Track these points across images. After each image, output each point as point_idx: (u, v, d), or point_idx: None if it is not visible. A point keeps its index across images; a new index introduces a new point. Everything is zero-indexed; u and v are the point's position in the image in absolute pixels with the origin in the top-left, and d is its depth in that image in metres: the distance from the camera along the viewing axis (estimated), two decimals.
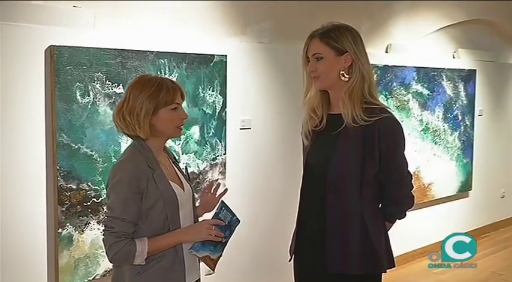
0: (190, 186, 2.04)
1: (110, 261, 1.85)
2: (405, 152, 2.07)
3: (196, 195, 2.30)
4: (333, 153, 2.00)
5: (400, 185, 2.07)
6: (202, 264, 2.00)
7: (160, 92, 1.85)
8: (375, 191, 2.04)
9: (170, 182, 1.90)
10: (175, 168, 2.03)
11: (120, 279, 1.89)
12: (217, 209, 1.95)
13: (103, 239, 1.83)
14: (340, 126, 1.99)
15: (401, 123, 2.07)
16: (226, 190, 2.24)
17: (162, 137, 1.95)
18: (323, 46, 1.99)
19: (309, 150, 2.12)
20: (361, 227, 1.99)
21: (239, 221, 1.99)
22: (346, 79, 1.99)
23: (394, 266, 2.10)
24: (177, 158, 2.17)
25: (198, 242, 1.90)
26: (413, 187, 2.13)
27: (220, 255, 1.98)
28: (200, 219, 2.07)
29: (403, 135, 2.04)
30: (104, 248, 1.83)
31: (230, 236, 1.97)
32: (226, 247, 1.98)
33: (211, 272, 2.07)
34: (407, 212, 2.14)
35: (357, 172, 1.97)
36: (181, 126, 1.94)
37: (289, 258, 2.19)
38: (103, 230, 1.84)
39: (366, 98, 1.99)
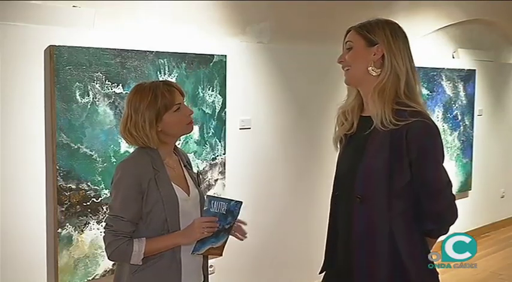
0: (199, 191, 2.03)
1: (108, 258, 1.89)
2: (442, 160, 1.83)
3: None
4: (359, 160, 1.82)
5: (437, 198, 1.82)
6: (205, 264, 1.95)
7: (157, 99, 1.85)
8: (407, 203, 1.81)
9: (173, 184, 1.89)
10: (185, 172, 2.02)
11: (120, 277, 1.91)
12: (205, 206, 1.88)
13: (103, 236, 1.86)
14: (370, 129, 1.81)
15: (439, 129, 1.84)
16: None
17: (174, 138, 1.96)
18: (355, 35, 1.86)
19: (340, 156, 1.97)
20: (389, 242, 1.78)
21: (240, 202, 1.88)
22: (375, 74, 1.81)
23: None
24: (190, 161, 2.13)
25: (197, 243, 1.88)
26: (454, 198, 1.85)
27: (226, 240, 1.93)
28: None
29: (438, 142, 1.80)
30: (103, 245, 1.87)
31: (234, 220, 1.91)
32: (231, 230, 1.93)
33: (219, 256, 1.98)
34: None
35: (384, 182, 1.77)
36: (191, 122, 1.95)
37: (319, 271, 2.01)
38: (104, 227, 1.87)
39: (400, 98, 1.78)
